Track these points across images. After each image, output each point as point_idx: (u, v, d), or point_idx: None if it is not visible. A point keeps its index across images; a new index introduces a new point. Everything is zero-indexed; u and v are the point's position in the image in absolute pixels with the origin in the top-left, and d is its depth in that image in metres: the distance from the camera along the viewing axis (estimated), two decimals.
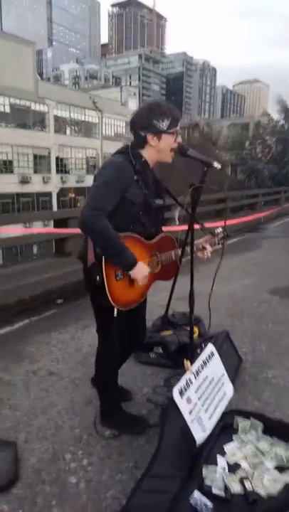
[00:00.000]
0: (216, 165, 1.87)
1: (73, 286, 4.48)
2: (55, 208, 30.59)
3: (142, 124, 1.81)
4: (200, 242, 2.19)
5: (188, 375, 1.90)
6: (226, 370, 2.51)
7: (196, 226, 2.09)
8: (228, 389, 2.14)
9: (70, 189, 32.61)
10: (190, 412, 1.85)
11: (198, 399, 1.93)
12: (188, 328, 3.18)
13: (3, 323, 3.68)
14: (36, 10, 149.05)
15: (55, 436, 2.12)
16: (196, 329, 3.18)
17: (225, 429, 2.02)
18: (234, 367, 2.71)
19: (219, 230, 2.23)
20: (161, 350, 2.86)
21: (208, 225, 2.27)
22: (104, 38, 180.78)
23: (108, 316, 1.87)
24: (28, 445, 2.05)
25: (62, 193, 31.94)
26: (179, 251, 2.05)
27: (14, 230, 5.18)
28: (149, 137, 1.81)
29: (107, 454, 1.99)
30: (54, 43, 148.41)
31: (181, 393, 1.84)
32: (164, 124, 1.78)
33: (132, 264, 1.75)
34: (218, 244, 2.21)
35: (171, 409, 1.82)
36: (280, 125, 22.59)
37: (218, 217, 9.75)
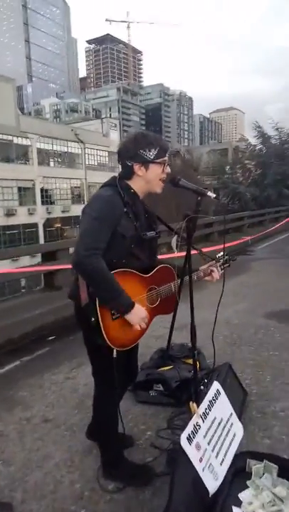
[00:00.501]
0: (210, 194, 1.82)
1: (65, 321, 4.33)
2: (41, 238, 30.43)
3: (129, 154, 1.76)
4: (204, 268, 2.14)
5: (195, 419, 1.77)
6: (233, 406, 2.40)
7: (195, 252, 2.03)
8: (238, 429, 2.01)
9: (56, 219, 32.58)
10: (200, 460, 1.71)
11: (208, 444, 1.79)
12: (189, 361, 3.08)
13: None
14: (15, 48, 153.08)
15: (54, 493, 1.94)
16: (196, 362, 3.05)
17: (237, 474, 1.88)
18: (240, 401, 2.59)
19: (220, 254, 2.18)
20: (161, 388, 2.71)
21: (206, 249, 2.23)
22: (82, 73, 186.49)
23: (106, 357, 1.75)
24: (26, 506, 1.87)
25: (48, 223, 31.87)
26: (179, 282, 1.96)
27: (3, 271, 5.02)
28: (136, 167, 1.75)
29: (113, 511, 1.82)
30: (34, 79, 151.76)
31: (189, 440, 1.70)
32: (150, 154, 1.74)
33: (129, 307, 1.67)
34: (221, 269, 2.15)
35: (179, 457, 1.68)
36: (258, 149, 23.24)
37: (207, 242, 9.79)
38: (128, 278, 1.74)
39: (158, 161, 1.76)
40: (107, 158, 36.11)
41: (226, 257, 2.18)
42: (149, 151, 1.74)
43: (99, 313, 1.64)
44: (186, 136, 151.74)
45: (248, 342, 3.82)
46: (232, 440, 1.94)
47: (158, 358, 3.13)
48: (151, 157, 1.74)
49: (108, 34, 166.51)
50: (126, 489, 1.93)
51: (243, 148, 25.98)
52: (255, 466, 1.89)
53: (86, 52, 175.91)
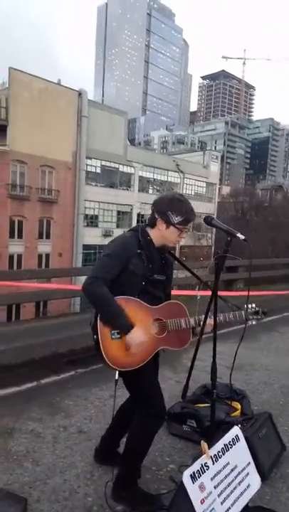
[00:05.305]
0: (239, 236, 1.87)
1: None
2: None
3: (160, 209, 1.99)
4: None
5: (204, 459, 1.75)
6: (262, 458, 2.27)
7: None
8: (254, 481, 1.90)
9: None
10: (202, 502, 1.67)
11: (215, 488, 1.74)
12: (230, 403, 2.99)
13: (51, 373, 3.79)
14: (134, 83, 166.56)
15: (67, 500, 2.06)
16: (238, 406, 2.95)
17: None
18: (274, 455, 2.43)
19: (252, 305, 2.14)
20: (194, 424, 2.68)
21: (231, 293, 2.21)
22: (193, 107, 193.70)
23: (132, 378, 1.95)
24: (39, 505, 2.01)
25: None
26: (192, 320, 2.03)
27: None
28: (159, 222, 1.99)
29: None
30: (147, 112, 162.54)
31: (193, 478, 1.68)
32: (175, 219, 1.95)
33: (127, 327, 1.84)
34: (249, 320, 2.12)
35: (179, 495, 1.67)
36: None
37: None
38: (133, 305, 1.91)
39: (178, 226, 1.97)
40: (204, 189, 36.56)
41: (257, 308, 2.13)
42: (176, 216, 1.94)
43: (99, 332, 1.84)
44: None
45: None
46: (244, 491, 1.85)
47: (200, 393, 3.09)
48: (175, 221, 1.95)
49: (223, 70, 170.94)
50: None
51: None
52: None
53: (199, 87, 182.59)
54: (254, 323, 2.13)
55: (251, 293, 2.31)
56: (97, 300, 1.86)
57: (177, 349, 2.06)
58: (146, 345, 1.92)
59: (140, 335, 1.87)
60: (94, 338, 1.88)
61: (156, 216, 1.99)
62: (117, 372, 1.89)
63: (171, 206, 1.95)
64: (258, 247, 25.15)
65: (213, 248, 31.74)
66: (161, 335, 1.98)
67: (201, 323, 2.06)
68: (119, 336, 1.87)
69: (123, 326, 1.85)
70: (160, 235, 2.00)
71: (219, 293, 2.06)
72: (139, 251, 1.94)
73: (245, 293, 2.05)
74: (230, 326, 5.25)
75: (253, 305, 2.14)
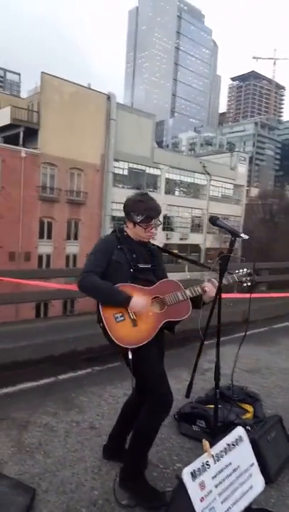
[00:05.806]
0: (243, 236, 1.90)
1: None
2: None
3: (125, 210, 2.20)
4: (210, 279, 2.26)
5: (205, 457, 1.76)
6: (270, 461, 2.26)
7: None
8: (257, 482, 1.90)
9: (173, 245, 33.69)
10: (201, 500, 1.69)
11: (215, 487, 1.75)
12: (244, 406, 2.97)
13: (68, 369, 3.89)
14: (163, 86, 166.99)
15: (73, 492, 2.12)
16: (250, 408, 2.93)
17: None
18: (282, 458, 2.40)
19: (243, 270, 2.23)
20: (204, 425, 2.68)
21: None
22: (222, 108, 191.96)
23: (139, 367, 2.01)
24: (46, 495, 2.08)
25: (165, 248, 33.17)
26: (187, 291, 2.13)
27: None
28: (127, 221, 2.21)
29: None
30: (176, 114, 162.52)
31: (193, 475, 1.70)
32: (138, 218, 2.14)
33: (127, 299, 1.98)
34: (243, 283, 2.20)
35: (179, 492, 1.69)
36: None
37: None
38: (130, 289, 2.03)
39: (142, 225, 2.14)
40: (232, 191, 36.15)
41: (249, 270, 2.21)
42: (137, 216, 2.14)
43: (104, 320, 2.00)
44: None
45: None
46: (247, 492, 1.84)
47: (213, 394, 3.08)
48: (138, 220, 2.14)
49: (253, 71, 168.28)
50: (136, 509, 1.99)
51: None
52: None
53: (229, 88, 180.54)
54: (248, 284, 2.21)
55: (274, 294, 2.30)
56: (91, 288, 2.03)
57: (180, 319, 2.14)
58: (151, 321, 2.03)
59: (140, 299, 2.00)
60: (100, 326, 2.02)
61: (125, 217, 2.20)
62: (130, 353, 1.97)
63: (133, 207, 2.14)
64: (286, 250, 24.61)
65: (240, 251, 31.35)
66: (163, 310, 2.09)
67: (197, 292, 2.15)
68: (123, 318, 2.00)
69: (122, 300, 1.97)
70: (132, 231, 2.20)
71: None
72: (119, 246, 2.13)
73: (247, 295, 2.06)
74: (249, 329, 5.20)
75: (245, 269, 2.23)
